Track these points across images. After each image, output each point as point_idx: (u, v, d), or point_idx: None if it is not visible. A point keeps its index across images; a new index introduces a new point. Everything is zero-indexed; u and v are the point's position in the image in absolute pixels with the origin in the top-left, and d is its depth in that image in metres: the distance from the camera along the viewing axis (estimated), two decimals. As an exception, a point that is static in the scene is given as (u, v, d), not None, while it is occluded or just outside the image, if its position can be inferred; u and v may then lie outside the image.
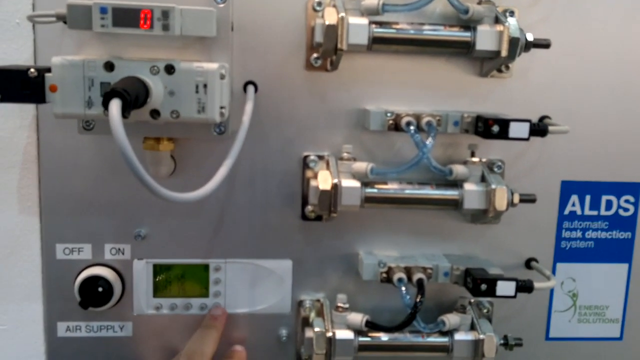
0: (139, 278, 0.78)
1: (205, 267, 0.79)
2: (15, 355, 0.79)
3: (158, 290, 0.79)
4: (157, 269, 0.78)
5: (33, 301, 0.78)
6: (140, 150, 0.71)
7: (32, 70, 0.63)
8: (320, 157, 0.77)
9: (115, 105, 0.52)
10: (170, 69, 0.63)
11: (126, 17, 0.60)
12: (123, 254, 0.78)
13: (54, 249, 0.77)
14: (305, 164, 0.77)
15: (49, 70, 0.62)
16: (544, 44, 0.74)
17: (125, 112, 0.54)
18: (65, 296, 0.77)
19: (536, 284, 0.75)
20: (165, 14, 0.61)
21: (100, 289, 0.75)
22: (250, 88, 0.74)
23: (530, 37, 0.73)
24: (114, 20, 0.60)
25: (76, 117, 0.63)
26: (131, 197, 0.76)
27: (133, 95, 0.55)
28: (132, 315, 0.79)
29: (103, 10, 0.60)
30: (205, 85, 0.63)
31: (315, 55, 0.75)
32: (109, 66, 0.62)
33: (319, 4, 0.74)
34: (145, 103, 0.60)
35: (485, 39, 0.71)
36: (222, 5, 0.68)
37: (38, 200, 0.76)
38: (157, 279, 0.78)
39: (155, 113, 0.63)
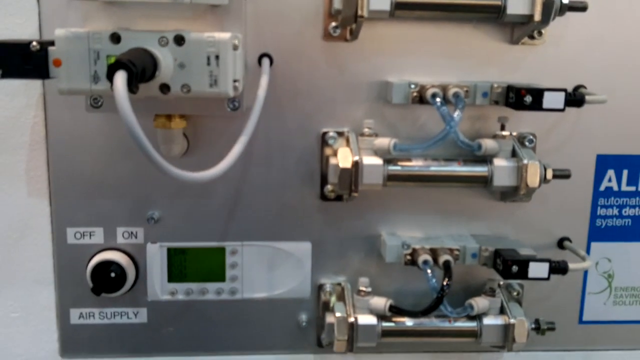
0: (153, 262, 0.75)
1: (221, 250, 0.76)
2: (28, 343, 0.77)
3: (173, 275, 0.76)
4: (172, 253, 0.75)
5: (44, 287, 0.76)
6: (151, 128, 0.68)
7: (34, 43, 0.59)
8: (340, 134, 0.73)
9: (120, 77, 0.48)
10: (179, 40, 0.59)
11: (132, -16, 0.56)
12: (136, 237, 0.75)
13: (64, 233, 0.74)
14: (324, 140, 0.73)
15: (52, 43, 0.59)
16: (580, 7, 0.69)
17: (131, 85, 0.50)
18: (78, 282, 0.74)
19: (571, 265, 0.71)
20: (174, -20, 0.57)
21: (112, 275, 0.72)
22: (266, 61, 0.70)
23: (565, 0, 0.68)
24: (120, -13, 0.56)
25: (82, 92, 0.60)
26: (143, 178, 0.73)
27: (139, 68, 0.51)
28: (147, 301, 0.76)
29: (107, -23, 0.56)
30: (217, 57, 0.59)
31: (333, 24, 0.70)
32: (115, 38, 0.58)
33: (337, -32, 0.69)
34: (153, 76, 0.56)
35: (517, 1, 0.66)
36: (234, -28, 0.64)
37: (47, 182, 0.73)
38: (171, 263, 0.75)
39: (165, 87, 0.59)
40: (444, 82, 0.70)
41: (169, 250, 0.75)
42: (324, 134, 0.73)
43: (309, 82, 0.72)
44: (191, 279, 0.76)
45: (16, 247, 0.75)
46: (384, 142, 0.70)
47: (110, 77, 0.49)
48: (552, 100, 0.67)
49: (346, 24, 0.68)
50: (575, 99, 0.68)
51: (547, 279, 0.70)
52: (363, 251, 0.77)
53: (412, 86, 0.70)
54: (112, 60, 0.50)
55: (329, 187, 0.74)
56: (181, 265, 0.76)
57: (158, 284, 0.75)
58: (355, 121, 0.73)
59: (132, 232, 0.75)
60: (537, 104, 0.67)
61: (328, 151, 0.74)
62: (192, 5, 0.60)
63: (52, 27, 0.66)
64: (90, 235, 0.74)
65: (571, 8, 0.68)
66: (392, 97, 0.71)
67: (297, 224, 0.76)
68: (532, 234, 0.78)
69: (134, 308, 0.76)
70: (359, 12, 0.65)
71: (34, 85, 0.71)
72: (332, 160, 0.71)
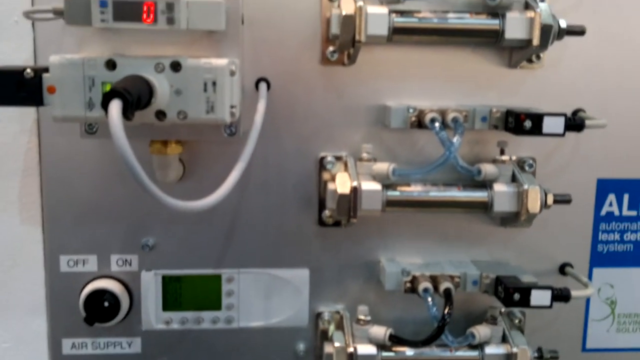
0: (148, 291, 0.73)
1: (218, 278, 0.74)
2: (19, 375, 0.75)
3: (168, 303, 0.74)
4: (167, 281, 0.74)
5: (37, 316, 0.74)
6: (147, 154, 0.67)
7: (28, 70, 0.58)
8: (338, 158, 0.72)
9: (115, 106, 0.47)
10: (176, 66, 0.58)
11: (128, 11, 0.56)
12: (130, 265, 0.73)
13: (57, 261, 0.73)
14: (322, 165, 0.73)
15: (46, 70, 0.58)
16: (578, 31, 0.69)
17: (127, 113, 0.49)
18: (71, 311, 0.73)
19: (573, 292, 0.70)
20: (170, 6, 0.56)
21: (106, 304, 0.71)
22: (263, 85, 0.70)
23: (563, 24, 0.68)
24: (115, 14, 0.56)
25: (76, 120, 0.59)
26: (138, 205, 0.72)
27: (135, 96, 0.50)
28: (141, 331, 0.74)
29: (103, 3, 0.55)
30: (214, 83, 0.58)
31: (331, 48, 0.70)
32: (111, 64, 0.58)
33: (334, -7, 0.69)
34: (149, 103, 0.55)
35: (515, 26, 0.66)
36: (231, -3, 0.63)
37: (40, 209, 0.72)
38: (166, 292, 0.74)
39: (160, 114, 0.58)
40: (442, 106, 0.70)
41: (164, 278, 0.74)
42: (322, 158, 0.73)
43: (306, 107, 0.72)
44: (186, 307, 0.74)
45: (8, 275, 0.73)
46: (382, 167, 0.69)
47: (105, 105, 0.48)
48: (552, 125, 0.66)
49: (344, 48, 0.68)
50: (575, 123, 0.68)
51: (550, 306, 0.69)
52: (362, 278, 0.76)
53: (411, 110, 0.70)
54: (108, 87, 0.50)
55: (327, 212, 0.73)
56: (176, 294, 0.74)
57: (152, 313, 0.74)
58: (353, 145, 0.73)
59: (126, 260, 0.73)
60: (536, 129, 0.66)
61: (326, 176, 0.73)
62: (189, 30, 0.59)
63: (48, 53, 0.65)
64: (83, 263, 0.73)
65: (569, 32, 0.68)
66: (390, 121, 0.70)
67: (294, 251, 0.75)
68: (533, 259, 0.77)
69: (127, 338, 0.75)
70: (357, 37, 0.65)
71: (28, 111, 0.70)
72: (331, 186, 0.70)
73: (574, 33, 0.69)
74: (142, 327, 0.74)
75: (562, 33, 0.68)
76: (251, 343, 0.76)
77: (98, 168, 0.71)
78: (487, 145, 0.74)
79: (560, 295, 0.70)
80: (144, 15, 0.56)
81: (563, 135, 0.67)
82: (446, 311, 0.68)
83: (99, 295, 0.71)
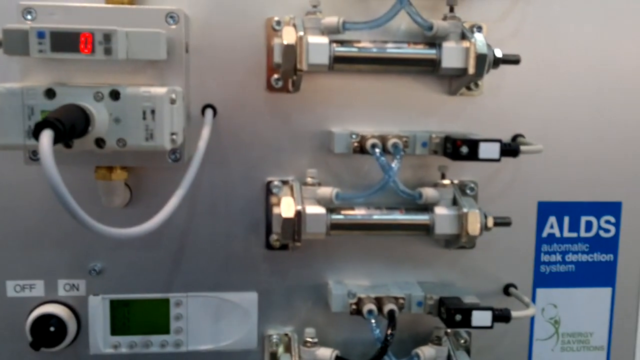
0: (95, 315, 0.73)
1: (166, 302, 0.74)
2: (-37, 402, 0.74)
3: (116, 327, 0.74)
4: (115, 305, 0.74)
5: (-18, 342, 0.74)
6: (93, 179, 0.68)
7: (-33, 99, 0.59)
8: (285, 182, 0.74)
9: (46, 136, 0.48)
10: (115, 95, 0.59)
11: (65, 42, 0.57)
12: (78, 289, 0.74)
13: (4, 286, 0.73)
14: (268, 189, 0.74)
15: (-14, 98, 0.59)
16: (513, 60, 0.71)
17: (60, 142, 0.50)
18: (17, 337, 0.73)
19: (514, 313, 0.71)
20: (107, 37, 0.58)
21: (52, 329, 0.71)
22: (209, 112, 0.71)
23: (498, 53, 0.70)
24: (53, 44, 0.57)
25: (16, 148, 0.60)
26: (85, 230, 0.72)
27: (68, 124, 0.51)
28: (89, 355, 0.74)
29: (40, 34, 0.57)
30: (153, 111, 0.59)
31: (276, 76, 0.72)
32: (51, 93, 0.59)
33: (278, 23, 0.71)
34: (86, 132, 0.56)
35: (451, 56, 0.68)
36: (174, 27, 0.65)
37: (-14, 234, 0.72)
38: (114, 316, 0.74)
39: (100, 141, 0.59)
40: (385, 132, 0.72)
41: (112, 302, 0.74)
42: (269, 182, 0.74)
43: (253, 132, 0.73)
44: (135, 331, 0.74)
45: (-46, 301, 0.73)
46: (326, 191, 0.71)
47: (36, 135, 0.49)
48: (488, 150, 0.68)
49: (287, 76, 0.70)
50: (510, 149, 0.70)
51: (491, 327, 0.70)
52: (310, 300, 0.77)
53: (354, 136, 0.71)
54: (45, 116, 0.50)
55: (274, 236, 0.74)
56: (124, 318, 0.74)
57: (100, 337, 0.74)
58: (300, 170, 0.74)
59: (73, 285, 0.73)
60: (473, 154, 0.68)
61: (273, 200, 0.74)
62: (131, 60, 0.61)
63: (-6, 81, 0.66)
64: (30, 288, 0.73)
65: (505, 61, 0.71)
66: (334, 146, 0.72)
67: (243, 274, 0.75)
68: (478, 280, 0.78)
69: (75, 363, 0.75)
70: (299, 66, 0.66)
71: (-25, 137, 0.71)
72: (276, 210, 0.71)
73: (510, 62, 0.71)
74: (90, 352, 0.74)
75: (498, 62, 0.70)
76: (200, 367, 0.76)
77: (44, 194, 0.71)
78: (430, 169, 0.75)
79: (501, 316, 0.71)
80: (82, 46, 0.57)
81: (499, 160, 0.69)
82: (389, 332, 0.69)
83: (45, 320, 0.71)
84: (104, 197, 0.69)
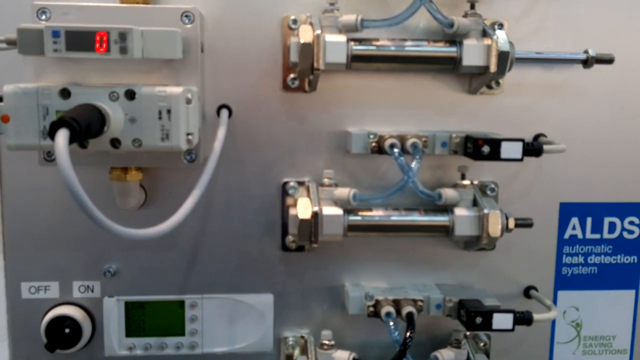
0: (110, 317, 0.73)
1: (181, 304, 0.74)
2: (-22, 404, 0.74)
3: (131, 329, 0.73)
4: (130, 307, 0.73)
5: (-2, 343, 0.74)
6: (108, 181, 0.67)
7: (-17, 99, 0.59)
8: (301, 183, 0.73)
9: (61, 136, 0.48)
10: (131, 95, 0.58)
11: (80, 41, 0.56)
12: (92, 291, 0.73)
13: (19, 288, 0.72)
14: (284, 190, 0.73)
15: (0, 99, 0.58)
16: (607, 60, 0.70)
17: (76, 142, 0.50)
18: (33, 338, 0.72)
19: (536, 316, 0.70)
20: (123, 36, 0.57)
21: (67, 330, 0.70)
22: (224, 112, 0.70)
23: (592, 53, 0.70)
24: (68, 44, 0.56)
25: (31, 148, 0.59)
26: (100, 231, 0.69)
27: (84, 124, 0.50)
28: (104, 357, 0.73)
29: (55, 33, 0.56)
30: (168, 111, 0.59)
31: (292, 75, 0.71)
32: (65, 93, 0.58)
33: (295, 21, 0.70)
34: (102, 132, 0.55)
35: (472, 53, 0.67)
36: (189, 26, 0.64)
37: (1, 236, 0.72)
38: (129, 318, 0.73)
39: (116, 142, 0.59)
40: (403, 131, 0.70)
41: (127, 304, 0.73)
42: (285, 184, 0.73)
43: (269, 133, 0.72)
44: (149, 333, 0.74)
45: (-31, 302, 0.73)
46: (343, 192, 0.70)
47: (52, 135, 0.48)
48: (510, 150, 0.67)
49: (303, 76, 0.68)
50: (533, 148, 0.68)
51: (512, 330, 0.69)
52: (326, 303, 0.76)
53: (371, 136, 0.70)
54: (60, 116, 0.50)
55: (289, 237, 0.73)
56: (139, 320, 0.74)
57: (115, 339, 0.73)
58: (316, 171, 0.73)
59: (88, 286, 0.73)
60: (495, 154, 0.67)
61: (289, 201, 0.73)
62: (146, 59, 0.60)
63: (9, 81, 0.66)
64: (45, 290, 0.72)
65: (598, 61, 0.70)
66: (351, 147, 0.71)
67: (258, 276, 0.74)
68: (497, 283, 0.77)
69: (90, 364, 0.74)
70: (316, 65, 0.65)
71: (-12, 139, 0.70)
72: (292, 211, 0.70)
73: (604, 61, 0.70)
74: (105, 354, 0.73)
75: (592, 61, 0.69)
76: (215, 369, 0.75)
77: (59, 195, 0.70)
78: (449, 169, 0.74)
79: (523, 319, 0.70)
80: (97, 45, 0.56)
81: (521, 160, 0.67)
82: (408, 335, 0.68)
83: (60, 321, 0.71)
84: (119, 198, 0.68)
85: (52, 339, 0.70)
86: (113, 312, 0.73)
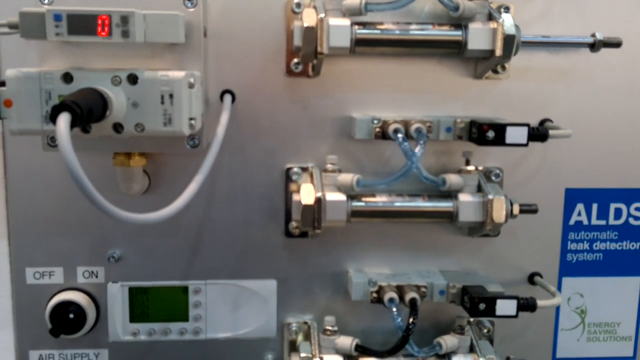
0: (114, 302, 0.73)
1: (184, 290, 0.74)
2: (-15, 387, 0.75)
3: (135, 315, 0.74)
4: (133, 292, 0.73)
5: (3, 329, 0.74)
6: (111, 166, 0.67)
7: (-17, 84, 0.58)
8: (304, 169, 0.72)
9: (63, 120, 0.47)
10: (133, 79, 0.58)
11: (82, 24, 0.56)
12: (97, 277, 0.73)
13: (23, 273, 0.72)
14: (288, 176, 0.72)
15: (3, 84, 0.58)
16: (615, 43, 0.70)
17: (77, 126, 0.49)
18: (37, 323, 0.72)
19: (540, 302, 0.70)
20: (125, 19, 0.56)
21: (71, 315, 0.71)
22: (227, 97, 0.70)
23: (599, 36, 0.69)
24: (70, 27, 0.56)
25: (33, 133, 0.59)
26: (104, 217, 0.70)
27: (85, 109, 0.50)
28: (108, 342, 0.74)
29: (57, 17, 0.55)
30: (171, 96, 0.58)
31: (295, 60, 0.70)
32: (68, 78, 0.58)
33: (298, 5, 0.69)
34: (104, 116, 0.55)
35: (478, 37, 0.66)
36: (192, 10, 0.64)
37: (6, 221, 0.72)
38: (133, 303, 0.73)
39: (118, 126, 0.58)
40: (407, 117, 0.70)
41: (131, 289, 0.73)
42: (288, 169, 0.72)
43: (272, 118, 0.72)
44: (153, 319, 0.74)
45: (-26, 287, 0.73)
46: (347, 178, 0.69)
47: (53, 119, 0.48)
48: (515, 135, 0.66)
49: (307, 60, 0.68)
50: (538, 133, 0.68)
51: (516, 316, 0.69)
52: (330, 288, 0.76)
53: (375, 122, 0.70)
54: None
55: (293, 223, 0.73)
56: (143, 305, 0.74)
57: (119, 325, 0.73)
58: (319, 156, 0.73)
59: (92, 272, 0.73)
60: (500, 139, 0.66)
61: (293, 187, 0.73)
62: (149, 43, 0.59)
63: (12, 66, 0.65)
64: (49, 275, 0.73)
65: (606, 44, 0.69)
66: (355, 132, 0.70)
67: (261, 262, 0.74)
68: (502, 269, 0.76)
69: (94, 349, 0.74)
70: (319, 49, 0.65)
71: (-8, 124, 0.70)
72: (296, 197, 0.70)
73: (611, 45, 0.69)
74: (109, 339, 0.74)
75: (599, 45, 0.69)
76: (219, 354, 0.75)
77: (63, 180, 0.70)
78: (454, 155, 0.73)
79: (527, 305, 0.70)
80: (99, 29, 0.56)
81: (526, 145, 0.67)
82: (411, 321, 0.68)
83: (65, 306, 0.71)
84: (123, 183, 0.68)
85: (56, 324, 0.71)
86: (117, 297, 0.73)
